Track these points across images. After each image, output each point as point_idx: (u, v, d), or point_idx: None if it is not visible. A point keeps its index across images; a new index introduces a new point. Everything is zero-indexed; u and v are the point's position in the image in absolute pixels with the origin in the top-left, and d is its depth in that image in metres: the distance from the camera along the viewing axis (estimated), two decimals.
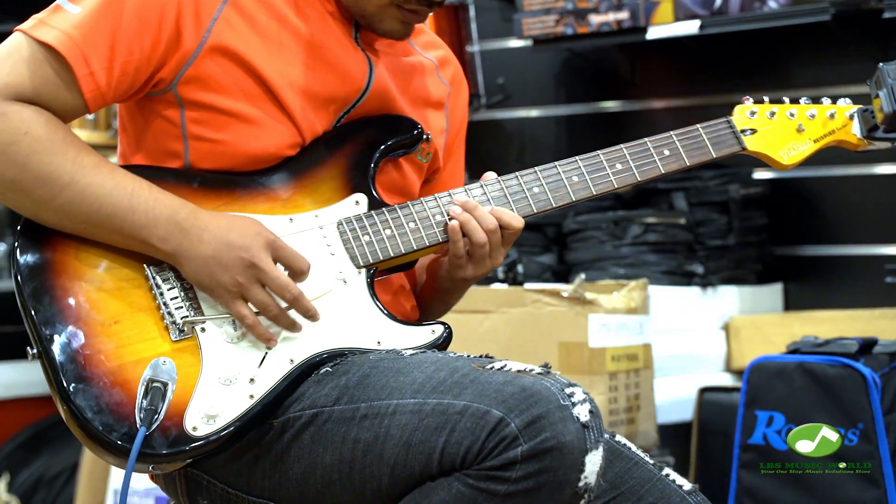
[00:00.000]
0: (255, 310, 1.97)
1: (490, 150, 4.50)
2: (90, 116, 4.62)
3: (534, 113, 4.50)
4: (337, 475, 1.90)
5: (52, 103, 1.96)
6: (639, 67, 4.29)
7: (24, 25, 1.98)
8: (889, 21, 3.64)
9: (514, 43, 4.43)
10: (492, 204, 2.09)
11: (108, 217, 1.94)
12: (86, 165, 1.95)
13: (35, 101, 1.95)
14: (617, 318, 3.37)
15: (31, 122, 1.93)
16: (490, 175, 2.12)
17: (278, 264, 1.97)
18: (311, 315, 1.98)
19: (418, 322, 2.09)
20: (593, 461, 1.80)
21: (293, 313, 1.98)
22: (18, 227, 1.98)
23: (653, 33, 3.96)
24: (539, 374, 1.86)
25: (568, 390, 1.82)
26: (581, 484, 1.80)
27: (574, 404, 1.80)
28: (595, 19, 4.04)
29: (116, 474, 4.03)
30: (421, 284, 2.24)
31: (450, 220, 2.06)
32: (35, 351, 1.94)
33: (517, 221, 2.08)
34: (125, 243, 1.97)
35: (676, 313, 3.77)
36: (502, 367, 1.88)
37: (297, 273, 1.98)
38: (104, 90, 1.97)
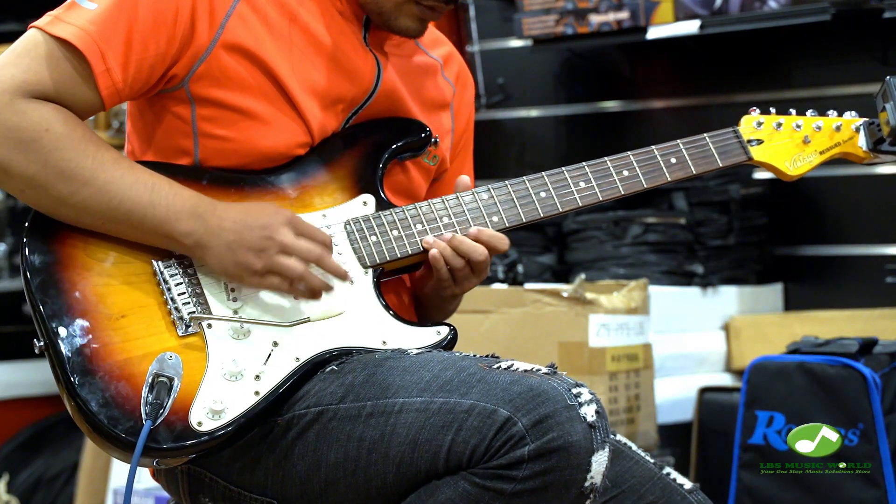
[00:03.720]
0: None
1: (490, 150, 4.50)
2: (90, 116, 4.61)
3: (534, 113, 4.50)
4: (341, 473, 1.90)
5: (69, 100, 1.96)
6: (639, 67, 4.29)
7: (40, 22, 1.98)
8: (889, 21, 3.64)
9: (514, 43, 4.43)
10: (499, 208, 2.10)
11: (128, 212, 1.95)
12: (106, 161, 1.95)
13: (52, 98, 1.95)
14: (617, 318, 3.37)
15: (51, 119, 1.93)
16: (463, 178, 2.12)
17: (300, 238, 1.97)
18: (340, 274, 1.99)
19: (424, 323, 2.09)
20: (599, 461, 1.80)
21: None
22: (27, 222, 1.99)
23: (653, 33, 3.96)
24: (546, 374, 1.86)
25: (575, 390, 1.83)
26: (587, 484, 1.80)
27: (581, 404, 1.81)
28: (595, 19, 4.04)
29: (116, 474, 4.03)
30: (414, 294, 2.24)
31: (429, 249, 2.06)
32: (41, 344, 1.94)
33: (504, 244, 2.08)
34: (145, 238, 1.97)
35: (676, 313, 3.77)
36: (509, 367, 1.88)
37: (318, 244, 1.98)
38: (120, 87, 1.98)
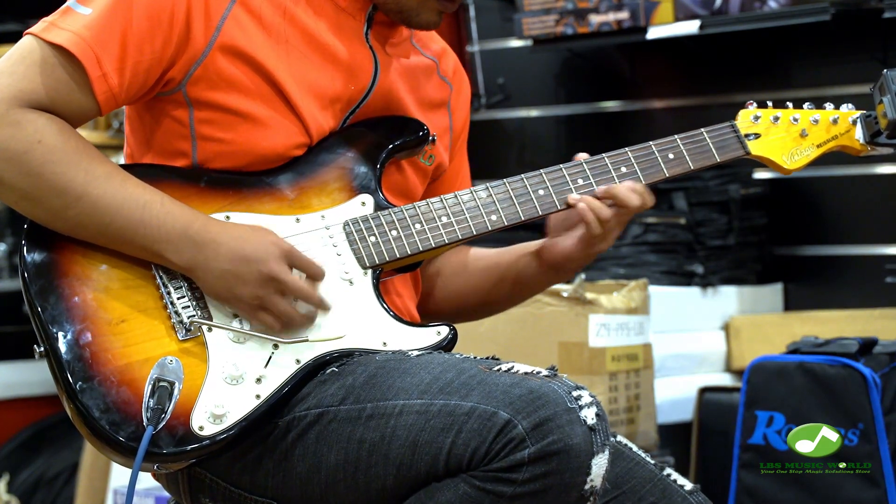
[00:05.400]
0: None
1: (490, 150, 4.50)
2: None
3: (534, 113, 4.50)
4: (342, 475, 1.91)
5: (65, 107, 1.96)
6: (639, 67, 4.29)
7: (35, 28, 1.97)
8: (889, 21, 3.64)
9: (514, 43, 4.43)
10: (498, 206, 2.10)
11: (119, 230, 1.94)
12: (98, 176, 1.94)
13: (48, 106, 1.94)
14: (617, 318, 3.37)
15: (45, 130, 1.93)
16: (582, 155, 2.14)
17: (294, 271, 1.97)
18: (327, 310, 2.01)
19: (423, 323, 2.09)
20: (599, 464, 1.80)
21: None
22: (26, 224, 1.98)
23: (653, 33, 3.96)
24: (546, 376, 1.86)
25: (575, 393, 1.83)
26: (587, 487, 1.80)
27: (581, 407, 1.81)
28: (595, 19, 4.04)
29: (116, 474, 4.03)
30: (516, 273, 2.24)
31: (576, 205, 2.10)
32: (42, 349, 1.93)
33: (649, 201, 2.12)
34: (140, 254, 1.97)
35: (676, 313, 3.77)
36: (509, 369, 1.88)
37: (313, 279, 1.99)
38: (116, 92, 1.97)
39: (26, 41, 1.97)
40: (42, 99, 1.94)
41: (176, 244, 1.95)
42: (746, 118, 2.20)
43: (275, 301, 1.96)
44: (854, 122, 2.21)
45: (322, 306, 1.99)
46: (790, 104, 2.22)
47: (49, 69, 1.95)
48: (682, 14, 3.92)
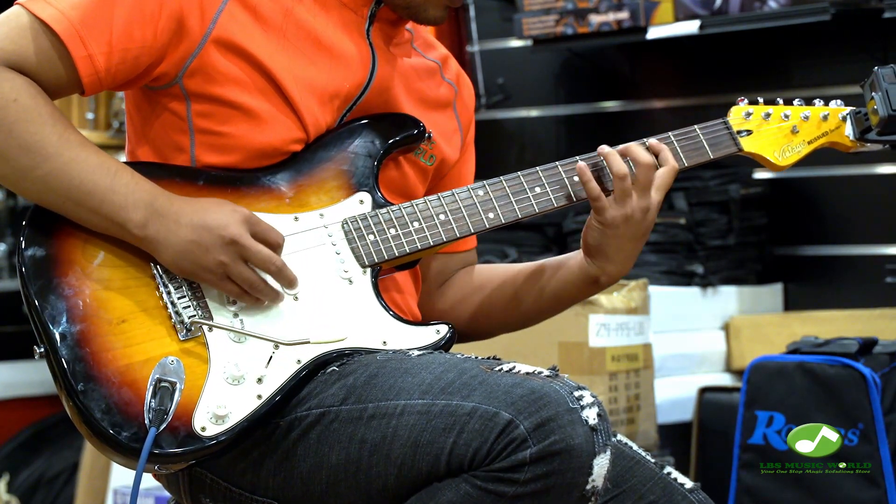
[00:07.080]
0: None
1: (490, 150, 4.50)
2: (90, 115, 4.62)
3: (534, 113, 4.51)
4: (343, 475, 1.90)
5: (43, 75, 1.96)
6: (639, 67, 4.29)
7: None
8: (889, 21, 3.65)
9: (514, 43, 4.43)
10: (495, 204, 2.10)
11: (87, 194, 1.94)
12: (72, 141, 1.94)
13: (27, 71, 1.95)
14: (617, 318, 3.38)
15: (22, 90, 1.93)
16: (604, 148, 2.12)
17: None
18: (293, 285, 1.98)
19: (423, 322, 2.09)
20: (601, 464, 1.80)
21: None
22: (24, 222, 1.98)
23: (653, 33, 3.96)
24: (548, 376, 1.86)
25: (577, 393, 1.83)
26: (589, 487, 1.80)
27: (583, 407, 1.81)
28: (595, 19, 4.04)
29: (116, 474, 4.03)
30: (551, 272, 2.23)
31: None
32: (42, 350, 1.93)
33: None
34: (102, 225, 1.96)
35: (676, 313, 3.78)
36: (511, 370, 1.88)
37: (274, 246, 1.98)
38: (102, 75, 1.97)
39: (14, 8, 1.98)
40: (22, 62, 1.94)
41: (141, 214, 1.94)
42: (738, 115, 2.20)
43: (238, 268, 1.95)
44: (844, 119, 2.21)
45: (283, 273, 1.97)
46: (780, 100, 2.22)
47: (32, 36, 1.94)
48: (682, 14, 3.92)
